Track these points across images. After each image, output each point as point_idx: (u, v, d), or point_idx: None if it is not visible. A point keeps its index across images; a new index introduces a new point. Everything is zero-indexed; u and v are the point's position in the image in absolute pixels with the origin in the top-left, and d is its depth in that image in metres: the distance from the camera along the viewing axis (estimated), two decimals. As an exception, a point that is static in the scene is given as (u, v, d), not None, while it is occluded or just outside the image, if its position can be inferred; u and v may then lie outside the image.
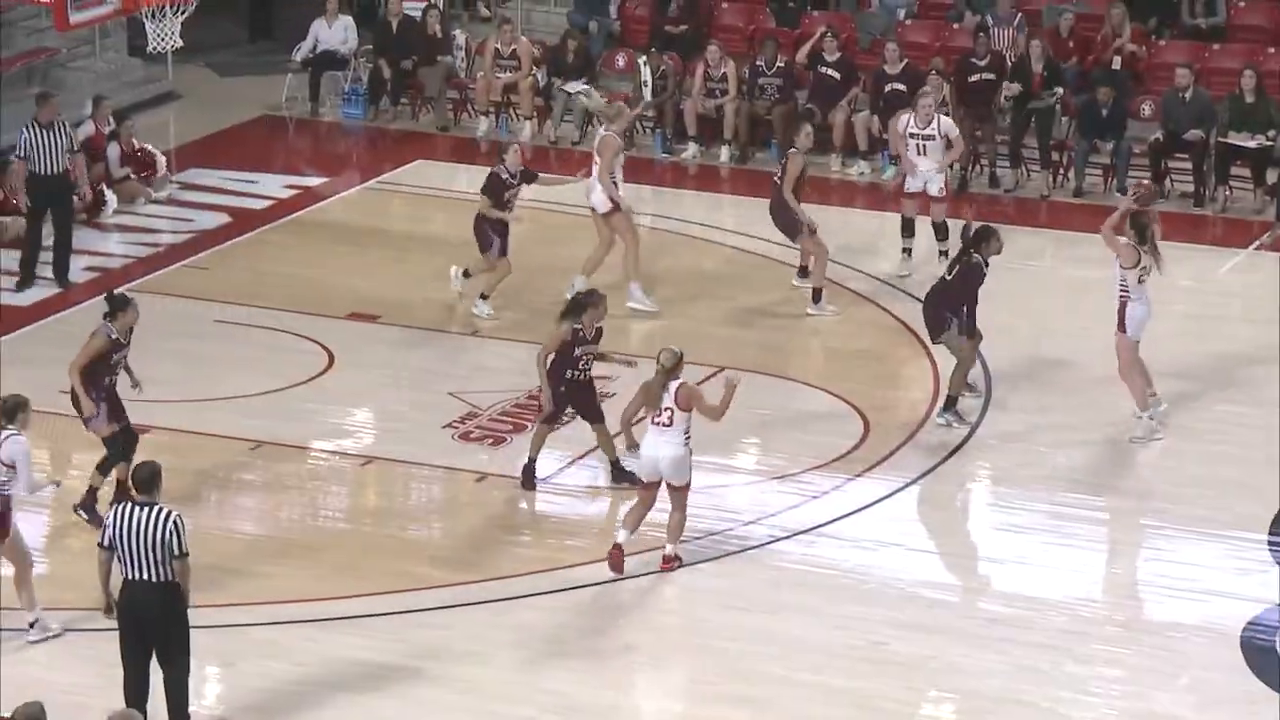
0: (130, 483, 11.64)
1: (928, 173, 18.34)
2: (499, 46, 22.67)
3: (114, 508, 11.40)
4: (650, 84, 22.19)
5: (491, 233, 17.11)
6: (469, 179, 21.46)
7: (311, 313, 17.54)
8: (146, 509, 11.21)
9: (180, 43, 17.66)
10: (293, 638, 12.79)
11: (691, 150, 22.06)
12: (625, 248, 17.66)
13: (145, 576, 11.15)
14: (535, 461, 14.55)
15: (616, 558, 13.27)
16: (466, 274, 17.48)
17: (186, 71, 23.72)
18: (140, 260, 18.99)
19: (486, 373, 16.14)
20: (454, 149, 22.27)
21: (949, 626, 13.03)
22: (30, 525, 14.15)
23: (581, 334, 14.29)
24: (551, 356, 14.32)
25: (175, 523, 11.18)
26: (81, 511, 14.00)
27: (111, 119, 20.51)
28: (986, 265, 15.68)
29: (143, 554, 11.12)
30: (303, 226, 19.90)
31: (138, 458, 13.15)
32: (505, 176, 17.14)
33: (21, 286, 18.14)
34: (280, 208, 20.33)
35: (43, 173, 18.11)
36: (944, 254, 18.11)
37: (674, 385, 13.13)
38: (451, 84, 22.95)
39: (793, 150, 17.82)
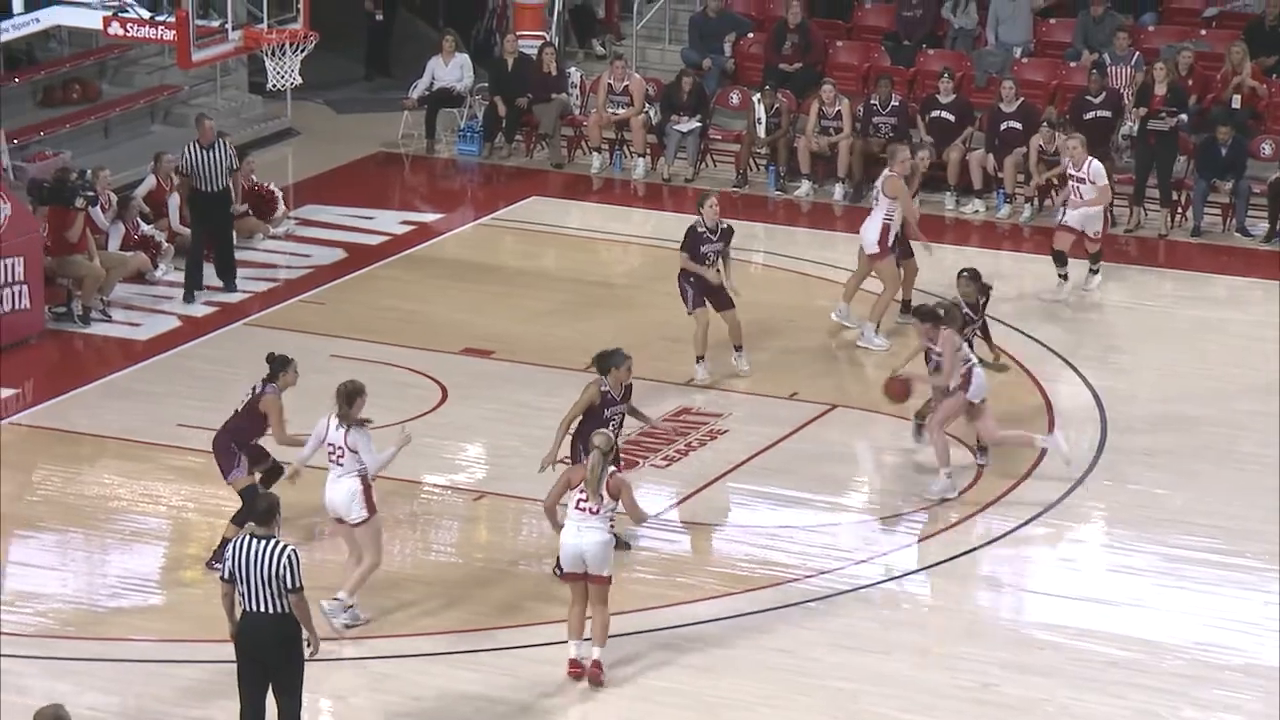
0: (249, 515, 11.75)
1: (1085, 213, 18.53)
2: (611, 83, 22.80)
3: (234, 541, 11.53)
4: (764, 122, 22.24)
5: (686, 285, 16.81)
6: (582, 215, 21.67)
7: (425, 348, 17.68)
8: (264, 542, 11.34)
9: (299, 80, 17.90)
10: (405, 671, 12.87)
11: (805, 188, 22.09)
12: (882, 289, 17.68)
13: (262, 609, 11.28)
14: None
15: (577, 673, 12.60)
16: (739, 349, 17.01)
17: (305, 109, 24.02)
18: (258, 295, 19.22)
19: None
20: (567, 186, 22.39)
21: (1062, 669, 12.92)
22: (144, 559, 14.38)
23: (610, 394, 13.88)
24: (579, 420, 13.83)
25: (290, 557, 11.30)
26: (216, 565, 14.06)
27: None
28: (967, 308, 15.66)
29: (259, 586, 11.25)
30: (417, 262, 20.08)
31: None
32: (702, 230, 16.80)
33: (187, 299, 18.78)
34: (396, 243, 20.54)
35: (205, 190, 18.74)
36: (1095, 271, 18.86)
37: (606, 472, 12.51)
38: (566, 121, 23.10)
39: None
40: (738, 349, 17.03)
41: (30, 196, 18.88)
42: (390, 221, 21.07)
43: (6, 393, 16.83)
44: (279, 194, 21.04)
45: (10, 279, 17.60)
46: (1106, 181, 18.74)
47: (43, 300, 18.05)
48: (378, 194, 21.99)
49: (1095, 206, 18.65)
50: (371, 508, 13.12)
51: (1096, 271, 18.85)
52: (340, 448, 13.05)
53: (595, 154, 22.77)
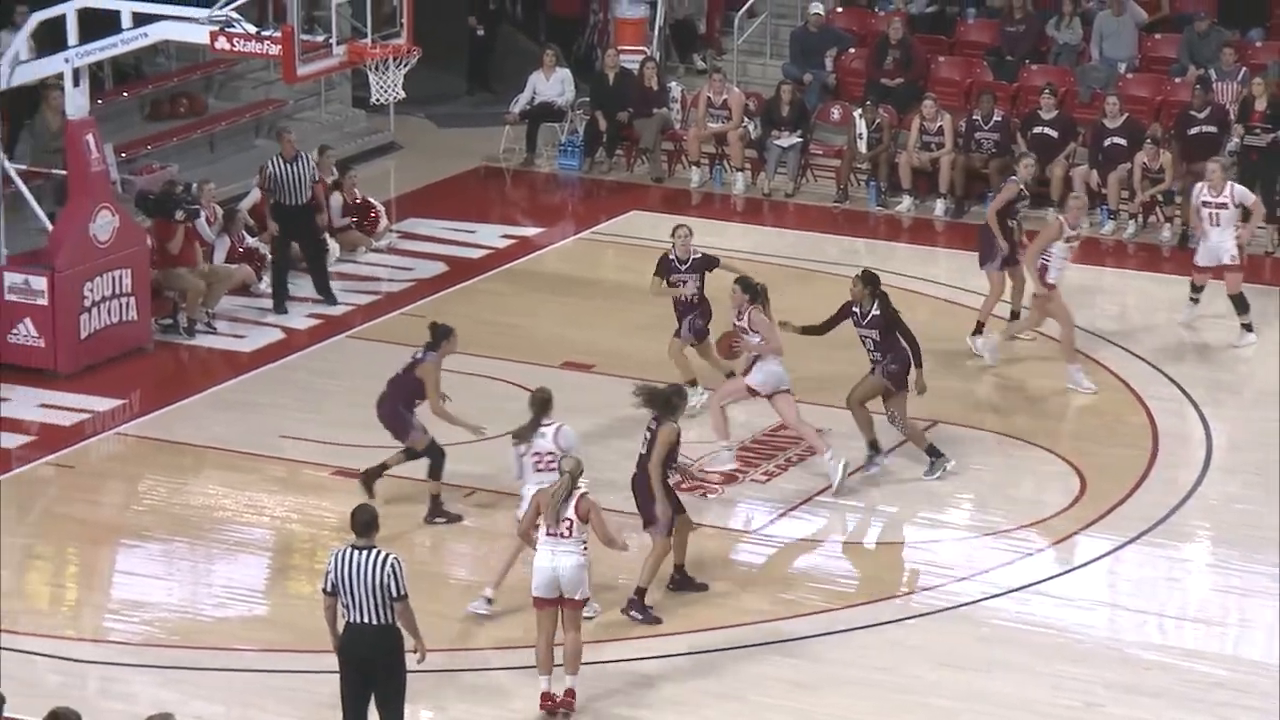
0: (351, 526, 11.77)
1: (1220, 242, 18.10)
2: (710, 96, 22.80)
3: (334, 553, 11.53)
4: (865, 137, 22.19)
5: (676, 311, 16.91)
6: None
7: (526, 361, 17.68)
8: (366, 552, 11.38)
9: (402, 95, 18.01)
10: (505, 682, 12.90)
11: (906, 203, 22.01)
12: (1060, 330, 17.29)
13: (366, 619, 11.32)
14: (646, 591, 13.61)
15: (550, 706, 12.41)
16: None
17: (407, 123, 24.11)
18: (360, 308, 19.31)
19: (699, 424, 16.19)
20: (668, 200, 22.41)
21: (1166, 689, 12.79)
22: (248, 569, 14.48)
23: (679, 432, 13.74)
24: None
25: (394, 565, 11.34)
26: (437, 519, 14.87)
27: (334, 169, 20.95)
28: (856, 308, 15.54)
29: (363, 597, 11.29)
30: (518, 276, 20.14)
31: (357, 500, 13.43)
32: (672, 259, 16.87)
33: (278, 310, 18.95)
34: (496, 257, 20.59)
35: (289, 204, 19.04)
36: (1247, 328, 18.11)
37: (576, 494, 12.41)
38: (666, 136, 23.12)
39: (1012, 178, 17.80)
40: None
41: (137, 209, 19.09)
42: (491, 235, 21.14)
43: (114, 403, 17.01)
44: (381, 207, 21.15)
45: (118, 291, 17.80)
46: (1255, 196, 18.46)
47: (149, 312, 18.23)
48: (479, 208, 22.04)
49: (1242, 227, 18.14)
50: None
51: (1248, 326, 18.12)
52: (553, 452, 13.32)
53: (695, 168, 22.76)
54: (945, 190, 21.85)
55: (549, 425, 13.52)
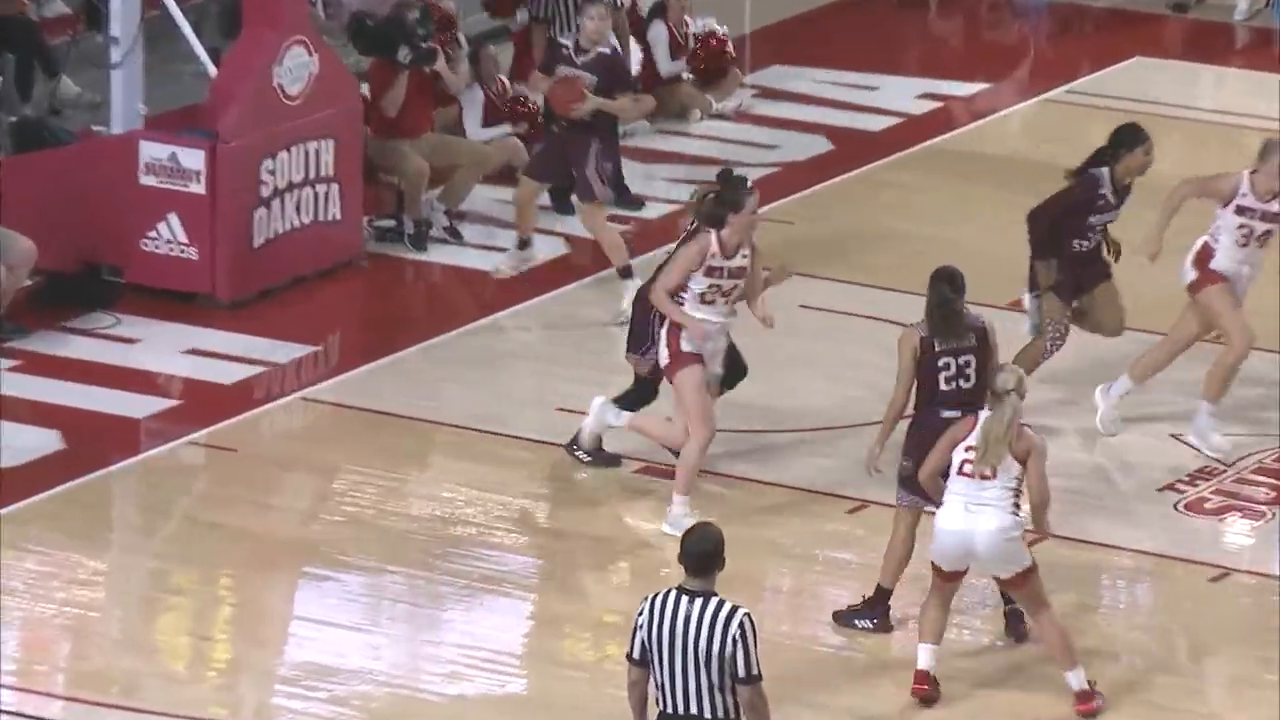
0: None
1: None
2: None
3: (650, 599, 11.32)
4: None
5: None
6: (1217, 87, 21.30)
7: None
8: (701, 600, 11.19)
9: None
10: None
11: None
12: None
13: (691, 709, 11.21)
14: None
15: (923, 691, 13.56)
16: None
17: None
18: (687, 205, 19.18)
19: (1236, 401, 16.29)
20: (1191, 38, 23.19)
21: None
22: (496, 618, 14.74)
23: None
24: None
25: (743, 625, 11.11)
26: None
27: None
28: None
29: (691, 673, 11.11)
30: (944, 160, 20.45)
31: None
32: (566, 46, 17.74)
33: (557, 207, 19.45)
34: (910, 129, 20.99)
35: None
36: None
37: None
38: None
39: None
40: None
41: (349, 42, 19.19)
42: (901, 94, 21.60)
43: (300, 351, 17.29)
44: (732, 49, 21.05)
45: (315, 174, 18.08)
46: None
47: (360, 209, 18.45)
48: (880, 50, 22.32)
49: None
50: None
51: None
52: None
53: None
54: None
55: None
